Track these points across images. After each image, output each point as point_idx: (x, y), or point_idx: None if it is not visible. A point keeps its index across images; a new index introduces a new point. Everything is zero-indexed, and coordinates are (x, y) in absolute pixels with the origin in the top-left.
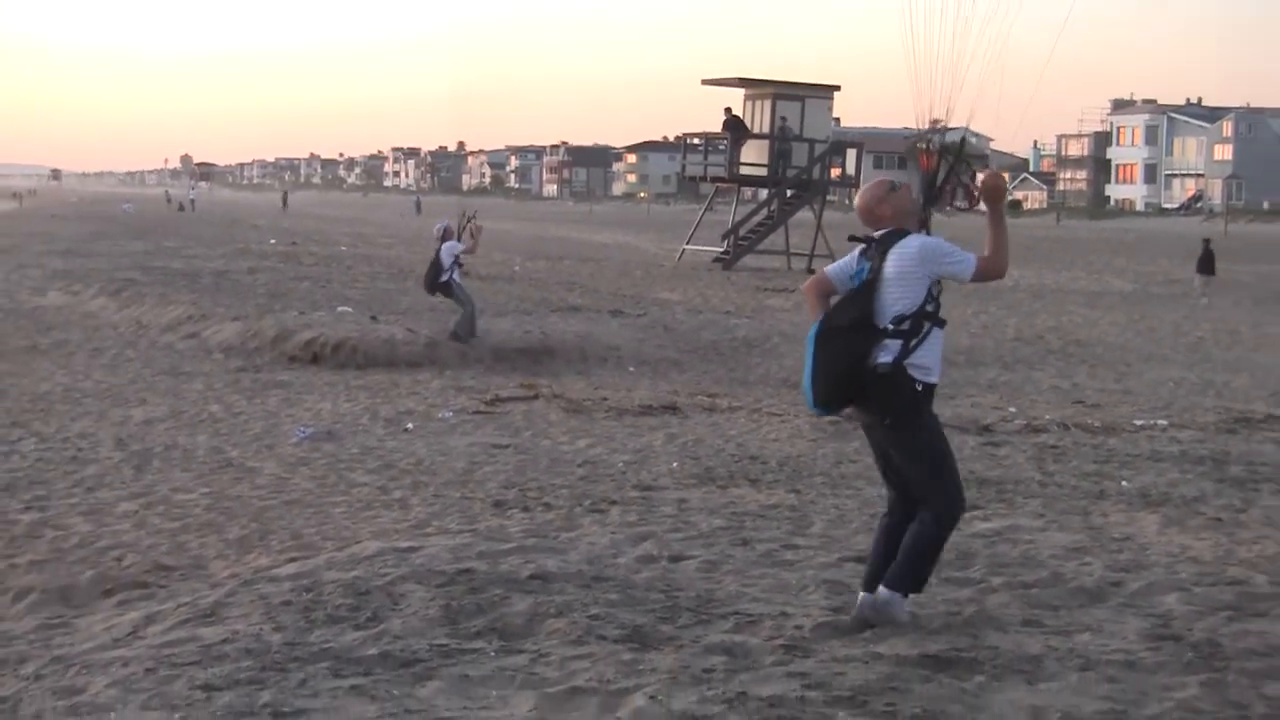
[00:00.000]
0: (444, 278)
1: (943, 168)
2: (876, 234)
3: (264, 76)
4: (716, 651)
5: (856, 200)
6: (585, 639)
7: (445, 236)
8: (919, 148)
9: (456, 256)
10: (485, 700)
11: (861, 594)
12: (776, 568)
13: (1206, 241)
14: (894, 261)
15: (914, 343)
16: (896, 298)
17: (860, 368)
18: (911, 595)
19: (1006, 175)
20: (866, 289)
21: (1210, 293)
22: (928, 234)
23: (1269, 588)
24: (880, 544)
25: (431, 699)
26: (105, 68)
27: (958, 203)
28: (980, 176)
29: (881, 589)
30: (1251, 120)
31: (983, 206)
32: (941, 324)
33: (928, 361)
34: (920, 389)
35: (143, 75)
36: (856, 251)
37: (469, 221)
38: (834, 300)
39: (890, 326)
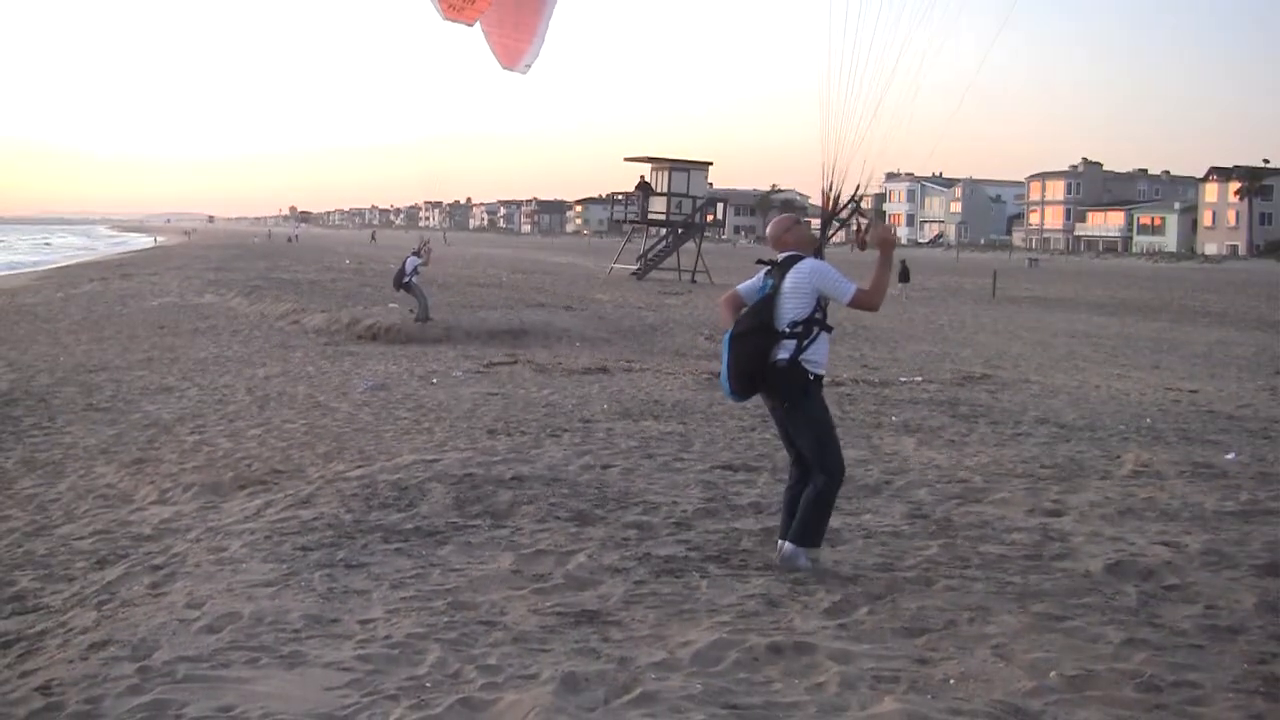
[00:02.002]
0: (405, 280)
1: (846, 214)
2: (780, 257)
3: (340, 158)
4: (631, 527)
5: (769, 229)
6: (547, 519)
7: (416, 253)
8: (824, 191)
9: (416, 267)
10: (481, 558)
11: (781, 543)
12: (670, 473)
13: (903, 262)
14: (790, 279)
15: (806, 343)
16: (791, 307)
17: (763, 363)
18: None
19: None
20: (767, 301)
21: (907, 295)
22: (820, 259)
23: (983, 484)
24: (786, 506)
25: (447, 557)
26: (242, 153)
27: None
28: (869, 227)
29: (785, 544)
30: (972, 187)
31: (869, 248)
32: (829, 329)
33: (817, 357)
34: (812, 379)
35: (265, 157)
36: (762, 272)
37: (426, 244)
38: (743, 311)
39: (786, 329)
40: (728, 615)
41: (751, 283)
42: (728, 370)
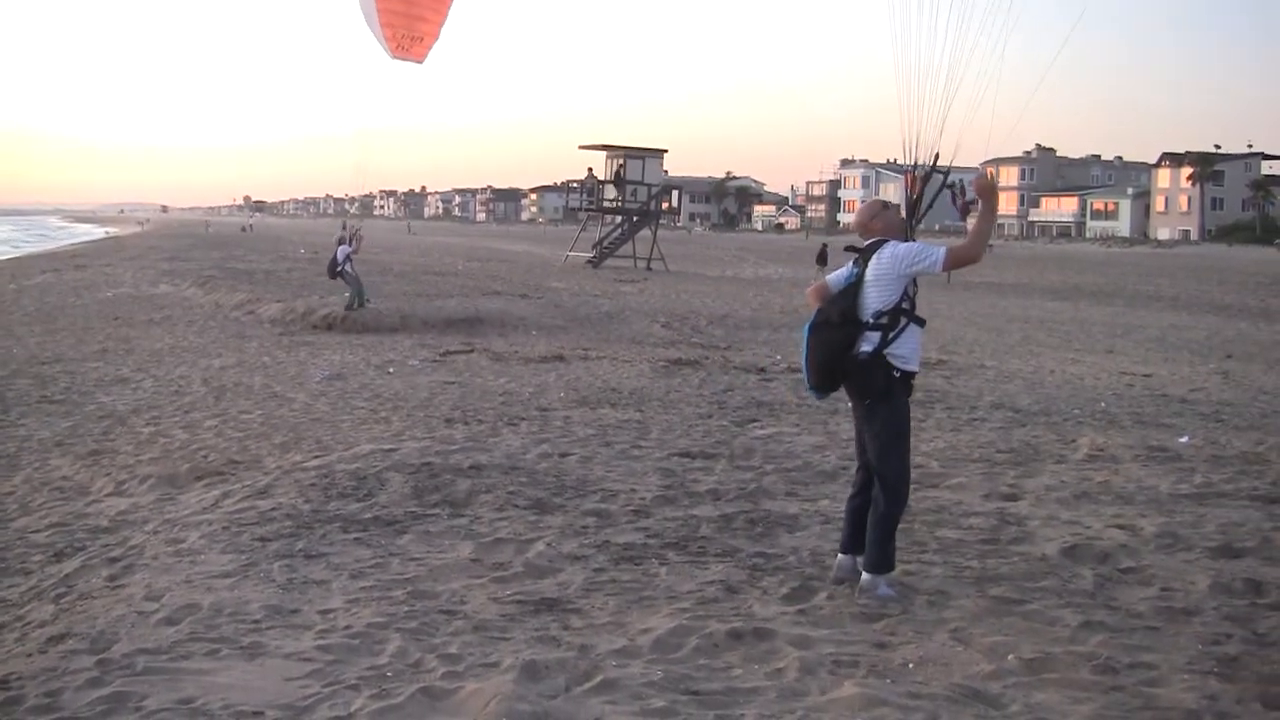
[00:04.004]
0: (339, 268)
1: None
2: (865, 244)
3: (294, 148)
4: (590, 515)
5: (854, 217)
6: (505, 507)
7: (341, 241)
8: (907, 172)
9: (348, 255)
10: (440, 547)
11: (840, 556)
12: (628, 460)
13: (824, 244)
14: (873, 267)
15: (892, 335)
16: (875, 297)
17: (844, 356)
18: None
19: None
20: (851, 290)
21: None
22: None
23: (939, 469)
24: (849, 517)
25: (406, 546)
26: (195, 143)
27: (961, 201)
28: (971, 185)
29: (865, 575)
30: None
31: (974, 204)
32: (919, 321)
33: (904, 352)
34: (898, 375)
35: (218, 146)
36: (850, 262)
37: (356, 233)
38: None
39: (870, 320)
40: (687, 602)
41: (840, 273)
42: (806, 363)
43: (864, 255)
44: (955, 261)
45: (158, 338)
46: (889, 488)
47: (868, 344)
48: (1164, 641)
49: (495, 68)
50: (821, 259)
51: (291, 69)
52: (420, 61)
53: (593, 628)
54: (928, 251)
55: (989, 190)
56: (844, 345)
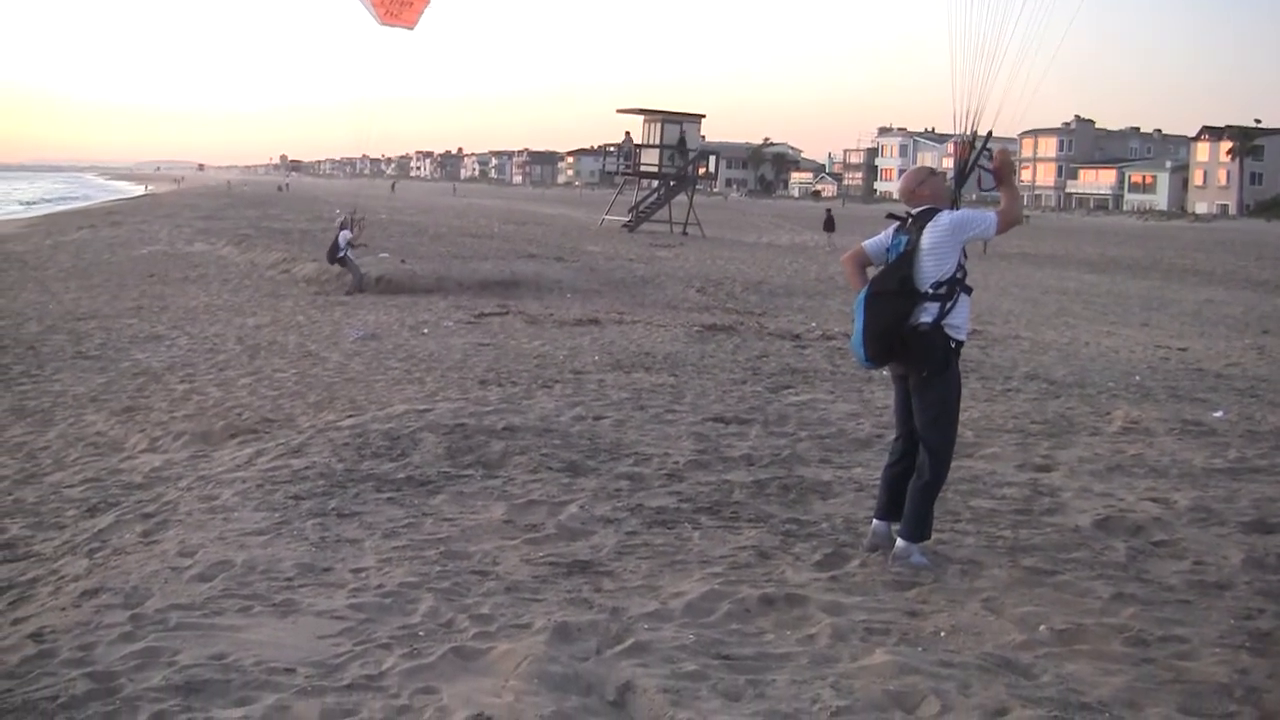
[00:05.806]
0: (339, 254)
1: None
2: (914, 211)
3: (331, 109)
4: (623, 478)
5: (899, 184)
6: (539, 469)
7: (343, 226)
8: (955, 141)
9: (349, 241)
10: (474, 508)
11: (875, 522)
12: (662, 424)
13: (829, 210)
14: (929, 235)
15: (949, 305)
16: (933, 266)
17: (902, 326)
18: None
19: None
20: (906, 258)
21: (833, 244)
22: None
23: (973, 438)
24: (887, 485)
25: (439, 506)
26: (233, 102)
27: (984, 185)
28: (995, 156)
29: (899, 542)
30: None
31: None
32: (969, 290)
33: (959, 321)
34: (953, 346)
35: (256, 109)
36: (891, 228)
37: (357, 220)
38: (870, 270)
39: (929, 291)
40: (720, 566)
41: (879, 239)
42: (863, 334)
43: (915, 223)
44: (1005, 224)
45: (193, 295)
46: (936, 456)
47: (927, 315)
48: (1196, 615)
49: (534, 32)
50: (829, 225)
51: (328, 31)
52: (411, 27)
53: (625, 591)
54: (981, 216)
55: (1007, 167)
56: (902, 316)
